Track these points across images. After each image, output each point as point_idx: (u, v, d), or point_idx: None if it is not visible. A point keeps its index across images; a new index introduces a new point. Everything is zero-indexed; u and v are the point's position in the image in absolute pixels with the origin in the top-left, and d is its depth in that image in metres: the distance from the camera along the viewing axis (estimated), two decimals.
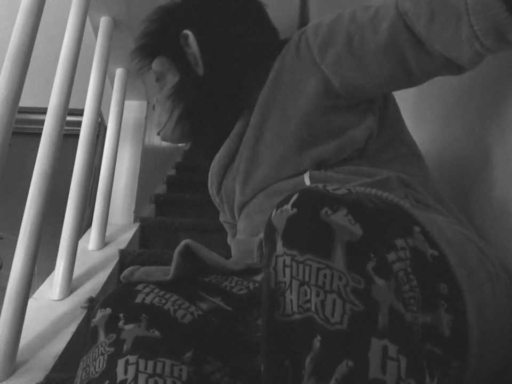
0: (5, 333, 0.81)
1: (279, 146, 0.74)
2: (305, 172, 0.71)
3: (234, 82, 0.82)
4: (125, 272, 0.64)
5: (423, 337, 0.47)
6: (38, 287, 1.10)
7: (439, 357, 0.48)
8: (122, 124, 1.49)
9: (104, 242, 1.38)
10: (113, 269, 1.25)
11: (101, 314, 0.58)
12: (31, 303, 0.94)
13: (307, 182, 0.69)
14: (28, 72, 0.89)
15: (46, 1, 0.95)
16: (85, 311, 1.02)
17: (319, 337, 0.39)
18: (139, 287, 0.60)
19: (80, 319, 0.99)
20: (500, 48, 0.60)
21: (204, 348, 0.57)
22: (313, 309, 0.40)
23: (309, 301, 0.41)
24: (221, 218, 1.00)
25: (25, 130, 2.60)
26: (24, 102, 0.91)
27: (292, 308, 0.42)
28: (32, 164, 0.95)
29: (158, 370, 0.51)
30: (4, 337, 0.81)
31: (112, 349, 0.54)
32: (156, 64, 0.88)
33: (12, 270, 0.86)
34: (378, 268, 0.42)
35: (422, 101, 1.18)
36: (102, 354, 0.54)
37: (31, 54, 0.90)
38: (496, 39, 0.58)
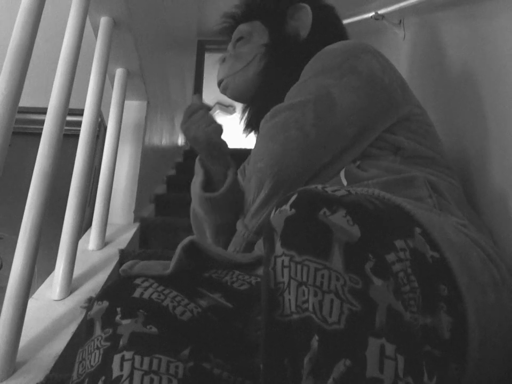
0: (5, 333, 0.81)
1: None
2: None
3: None
4: (124, 265, 0.63)
5: (423, 339, 0.47)
6: (38, 287, 1.10)
7: (437, 359, 0.48)
8: (122, 124, 1.49)
9: (104, 242, 1.38)
10: (113, 269, 1.25)
11: (97, 307, 0.58)
12: (31, 303, 0.94)
13: (343, 176, 0.72)
14: (28, 72, 0.89)
15: (46, 1, 0.95)
16: (85, 311, 1.02)
17: (317, 337, 0.39)
18: (138, 281, 0.60)
19: (80, 319, 0.99)
20: None
21: (203, 345, 0.56)
22: (311, 309, 0.40)
23: (306, 301, 0.41)
24: None
25: (25, 130, 2.60)
26: (24, 102, 0.91)
27: (290, 308, 0.42)
28: (32, 164, 0.95)
29: (154, 367, 0.51)
30: (4, 337, 0.81)
31: (108, 344, 0.53)
32: (247, 26, 0.99)
33: (12, 270, 0.86)
34: (377, 268, 0.42)
35: (424, 98, 1.19)
36: (98, 348, 0.54)
37: (31, 54, 0.90)
38: None
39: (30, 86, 1.08)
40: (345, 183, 0.71)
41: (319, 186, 0.48)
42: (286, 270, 0.43)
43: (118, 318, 0.55)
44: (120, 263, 1.31)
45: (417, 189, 0.68)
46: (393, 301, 0.41)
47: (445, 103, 1.07)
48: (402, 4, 1.30)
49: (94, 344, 0.55)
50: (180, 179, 2.26)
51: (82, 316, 1.01)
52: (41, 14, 0.93)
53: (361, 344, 0.38)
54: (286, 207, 0.46)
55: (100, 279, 1.18)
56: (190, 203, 0.93)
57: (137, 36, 1.43)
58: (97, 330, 0.56)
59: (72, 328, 0.96)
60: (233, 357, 0.57)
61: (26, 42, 0.89)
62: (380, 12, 1.50)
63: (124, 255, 1.33)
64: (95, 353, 0.54)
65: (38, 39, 0.91)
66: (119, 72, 1.50)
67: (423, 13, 1.27)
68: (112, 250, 1.35)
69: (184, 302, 0.59)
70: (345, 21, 1.87)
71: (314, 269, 0.42)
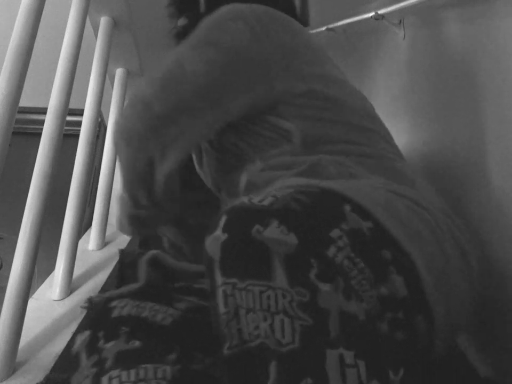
0: (5, 333, 0.81)
1: None
2: None
3: None
4: (95, 296, 0.66)
5: (382, 308, 0.46)
6: (38, 287, 1.10)
7: (402, 320, 0.48)
8: None
9: (104, 242, 1.38)
10: (113, 269, 1.25)
11: (80, 339, 0.58)
12: (31, 303, 0.94)
13: (243, 180, 0.68)
14: (28, 72, 0.89)
15: (46, 1, 0.95)
16: (85, 311, 1.02)
17: (274, 362, 0.38)
18: (113, 303, 0.61)
19: (80, 319, 0.99)
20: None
21: (189, 345, 0.56)
22: (263, 334, 0.39)
23: (257, 327, 0.40)
24: None
25: (25, 130, 2.60)
26: (24, 102, 0.91)
27: (242, 338, 0.40)
28: (32, 164, 0.95)
29: (141, 376, 0.51)
30: (4, 337, 0.81)
31: (95, 370, 0.54)
32: (180, 21, 1.00)
33: (12, 270, 0.86)
34: (321, 272, 0.41)
35: (424, 98, 1.19)
36: (87, 377, 0.54)
37: (31, 54, 0.90)
38: None
39: (30, 86, 1.08)
40: (243, 188, 0.67)
41: (245, 199, 0.47)
42: (230, 299, 0.42)
43: (101, 343, 0.56)
44: (120, 263, 1.31)
45: (325, 169, 0.63)
46: (344, 303, 0.41)
47: (445, 104, 1.07)
48: (402, 4, 1.30)
49: (82, 375, 0.55)
50: None
51: (82, 316, 1.01)
52: (41, 14, 0.93)
53: (320, 359, 0.38)
54: (218, 232, 0.44)
55: (100, 279, 1.18)
56: None
57: (137, 36, 1.43)
58: (83, 361, 0.56)
59: (72, 328, 0.96)
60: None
61: (26, 42, 0.89)
62: (380, 11, 1.50)
63: (124, 255, 1.32)
64: (85, 382, 0.54)
65: (38, 39, 0.91)
66: (119, 72, 1.50)
67: (423, 13, 1.27)
68: (112, 250, 1.35)
69: (163, 309, 0.60)
70: (345, 21, 1.87)
71: (259, 292, 0.41)
